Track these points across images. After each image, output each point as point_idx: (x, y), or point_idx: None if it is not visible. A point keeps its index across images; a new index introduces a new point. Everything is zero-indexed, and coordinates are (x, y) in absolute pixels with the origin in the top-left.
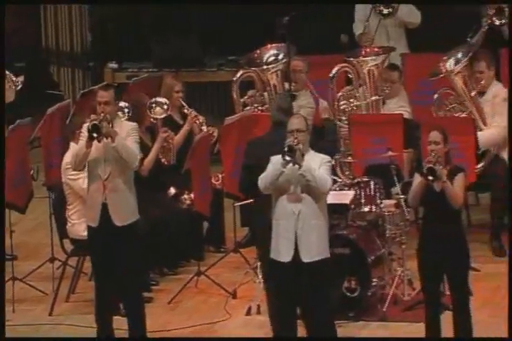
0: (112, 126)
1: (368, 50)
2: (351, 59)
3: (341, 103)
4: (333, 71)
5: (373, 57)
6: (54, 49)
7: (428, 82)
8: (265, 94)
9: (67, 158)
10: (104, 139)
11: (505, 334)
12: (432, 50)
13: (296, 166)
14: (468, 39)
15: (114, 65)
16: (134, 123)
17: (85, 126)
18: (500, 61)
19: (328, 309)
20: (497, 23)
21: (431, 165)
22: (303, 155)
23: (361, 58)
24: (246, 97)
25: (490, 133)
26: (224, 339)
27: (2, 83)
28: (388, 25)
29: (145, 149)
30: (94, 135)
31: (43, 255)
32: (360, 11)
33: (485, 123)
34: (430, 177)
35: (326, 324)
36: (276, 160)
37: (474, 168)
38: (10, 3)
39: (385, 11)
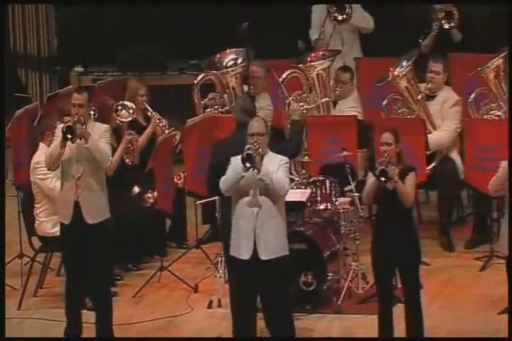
0: (86, 128)
1: (314, 55)
2: (300, 65)
3: (293, 107)
4: (283, 76)
5: (320, 62)
6: (22, 52)
7: (380, 85)
8: (225, 96)
9: (36, 158)
10: (78, 140)
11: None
12: (385, 54)
13: (256, 171)
14: (420, 40)
15: (79, 69)
16: (107, 126)
17: (59, 127)
18: (450, 65)
19: (286, 303)
20: (446, 26)
21: (383, 167)
22: (262, 157)
23: (309, 63)
24: (207, 99)
25: (439, 136)
26: (223, 340)
27: (2, 83)
28: (343, 31)
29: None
30: (69, 136)
31: (12, 252)
32: (316, 17)
33: (433, 126)
34: (383, 179)
35: (284, 317)
36: (236, 162)
37: (424, 168)
38: (10, 3)
39: (340, 18)
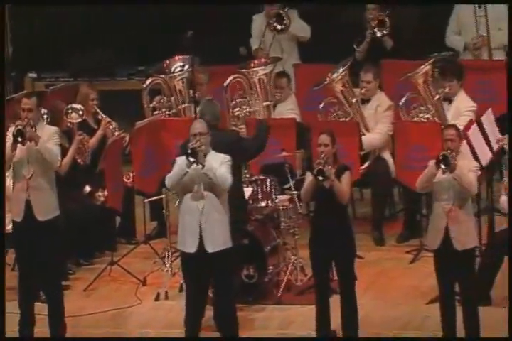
0: (35, 131)
1: (256, 61)
2: (243, 70)
3: (235, 110)
4: (227, 81)
5: (262, 67)
6: None
7: (317, 90)
8: (172, 99)
9: None
10: (28, 142)
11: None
12: (321, 60)
13: (199, 166)
14: (355, 46)
15: (33, 75)
16: (55, 128)
17: (10, 130)
18: (382, 71)
19: (230, 293)
20: (379, 34)
21: (321, 167)
22: (205, 155)
23: (251, 69)
24: (154, 102)
25: (372, 138)
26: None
27: (2, 83)
28: (282, 40)
29: (62, 150)
30: (19, 139)
31: None
32: (256, 27)
33: (367, 128)
34: (320, 177)
35: (228, 307)
36: (181, 161)
37: (358, 167)
38: (10, 3)
39: (279, 27)
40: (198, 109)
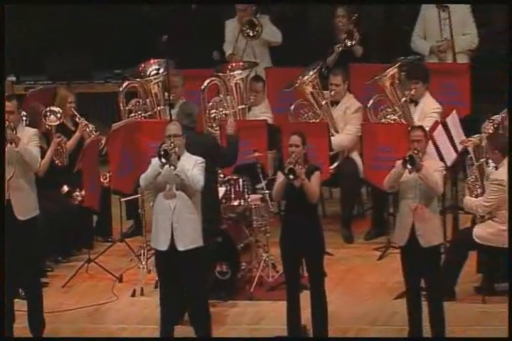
0: (16, 133)
1: (234, 64)
2: (220, 73)
3: (212, 112)
4: (204, 84)
5: (239, 72)
6: None
7: (288, 92)
8: (147, 101)
9: None
10: (8, 144)
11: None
12: (292, 64)
13: (172, 167)
14: (327, 55)
15: (12, 78)
16: (35, 130)
17: None
18: (350, 75)
19: (202, 290)
20: (349, 44)
21: (291, 166)
22: (178, 157)
23: (228, 73)
24: (130, 105)
25: (341, 138)
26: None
27: (2, 84)
28: (254, 45)
29: (41, 152)
30: None
31: None
32: (229, 33)
33: (336, 130)
34: (291, 177)
35: (201, 303)
36: (154, 162)
37: (328, 167)
38: (10, 3)
39: (251, 34)
40: (175, 111)
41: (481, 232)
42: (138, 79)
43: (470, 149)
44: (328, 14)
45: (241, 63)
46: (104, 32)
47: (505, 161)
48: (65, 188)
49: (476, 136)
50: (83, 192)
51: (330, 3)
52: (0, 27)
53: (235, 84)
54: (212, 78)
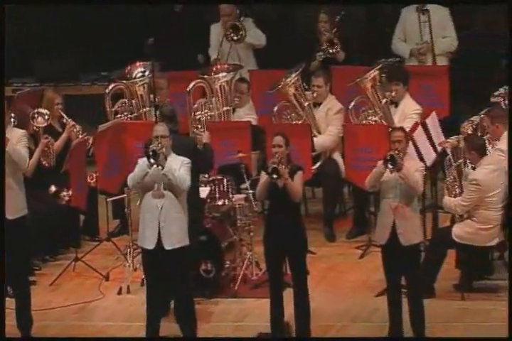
0: (5, 134)
1: (218, 67)
2: (205, 76)
3: (197, 113)
4: (190, 86)
5: (224, 74)
6: None
7: (271, 94)
8: (133, 103)
9: None
10: None
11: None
12: (276, 66)
13: (160, 167)
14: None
15: None
16: (23, 131)
17: None
18: (332, 77)
19: (187, 288)
20: (331, 51)
21: (275, 166)
22: (166, 157)
23: (213, 75)
24: (117, 106)
25: (324, 139)
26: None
27: (2, 84)
28: (238, 48)
29: (29, 153)
30: None
31: None
32: (214, 37)
33: (318, 131)
34: (274, 176)
35: (186, 301)
36: (142, 162)
37: (310, 167)
38: (10, 3)
39: (235, 38)
40: (157, 113)
41: (459, 231)
42: (124, 81)
43: (448, 150)
44: (312, 17)
45: (226, 66)
46: (90, 35)
47: (483, 161)
48: (53, 188)
49: (454, 137)
50: (70, 192)
51: (315, 3)
52: (0, 27)
53: (220, 86)
54: (198, 80)
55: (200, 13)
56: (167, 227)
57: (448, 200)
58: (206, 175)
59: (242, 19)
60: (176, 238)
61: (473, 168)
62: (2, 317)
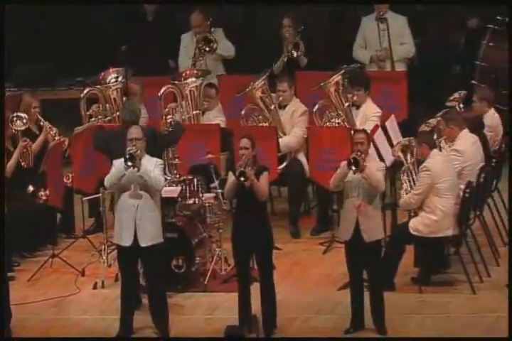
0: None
1: (188, 72)
2: (175, 81)
3: (168, 117)
4: (161, 91)
5: (193, 79)
6: None
7: (239, 98)
8: (107, 107)
9: None
10: None
11: None
12: (242, 72)
13: (136, 169)
14: (273, 64)
15: None
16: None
17: None
18: (297, 81)
19: (160, 282)
20: (294, 55)
21: (242, 169)
22: (140, 159)
23: (183, 81)
24: (91, 110)
25: (288, 140)
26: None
27: (2, 84)
28: (208, 59)
29: (8, 155)
30: None
31: None
32: (184, 46)
33: (284, 132)
34: (242, 179)
35: (159, 295)
36: (118, 163)
37: (276, 167)
38: (10, 3)
39: (207, 49)
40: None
41: (416, 225)
42: (98, 86)
43: (399, 153)
44: (276, 25)
45: (195, 71)
46: (67, 42)
47: (433, 153)
48: (31, 188)
49: (404, 139)
50: (47, 192)
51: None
52: (0, 27)
53: (190, 91)
54: (169, 86)
55: (170, 22)
56: (142, 225)
57: (403, 198)
58: (177, 175)
59: (212, 30)
60: (151, 235)
61: (423, 161)
62: (2, 317)
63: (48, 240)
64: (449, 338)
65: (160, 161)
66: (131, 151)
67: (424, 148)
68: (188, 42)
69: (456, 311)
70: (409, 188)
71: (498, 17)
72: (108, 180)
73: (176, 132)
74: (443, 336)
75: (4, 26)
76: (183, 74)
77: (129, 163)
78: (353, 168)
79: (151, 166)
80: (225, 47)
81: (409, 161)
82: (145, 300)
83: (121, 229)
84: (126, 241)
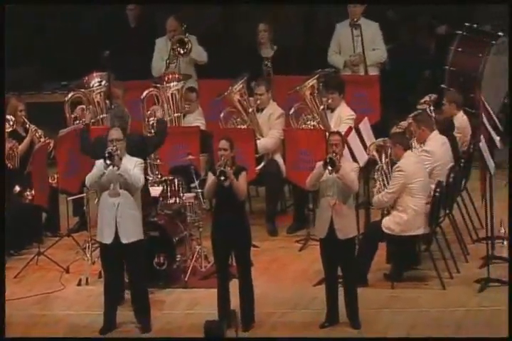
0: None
1: (170, 76)
2: (158, 85)
3: (150, 119)
4: (144, 94)
5: (175, 83)
6: None
7: (218, 101)
8: (90, 107)
9: None
10: None
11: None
12: (220, 76)
13: (116, 168)
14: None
15: None
16: None
17: None
18: (273, 85)
19: (142, 279)
20: (181, 52)
21: (222, 168)
22: (121, 159)
23: (165, 84)
24: (75, 113)
25: (266, 142)
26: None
27: (2, 84)
28: (181, 63)
29: None
30: None
31: None
32: (159, 49)
33: (261, 134)
34: (222, 178)
35: (141, 291)
36: (99, 163)
37: (254, 168)
38: (10, 3)
39: (182, 51)
40: (110, 114)
41: (388, 223)
42: (82, 90)
43: (374, 153)
44: (252, 30)
45: (176, 76)
46: (52, 47)
47: (406, 154)
48: (17, 188)
49: (379, 139)
50: (33, 192)
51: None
52: (0, 27)
53: (171, 94)
54: (151, 89)
55: (152, 28)
56: (123, 223)
57: (376, 197)
58: (159, 176)
59: (186, 35)
60: (132, 232)
61: (397, 161)
62: (2, 317)
63: (34, 238)
64: (446, 338)
65: (140, 161)
66: (109, 150)
67: (398, 149)
68: (162, 46)
69: (426, 306)
70: (382, 187)
71: (466, 24)
72: (89, 178)
73: (161, 131)
74: (439, 336)
75: (4, 26)
76: (166, 78)
77: (108, 162)
78: (329, 168)
79: (131, 165)
80: (198, 52)
81: (383, 161)
82: (128, 296)
83: (103, 227)
84: (108, 239)
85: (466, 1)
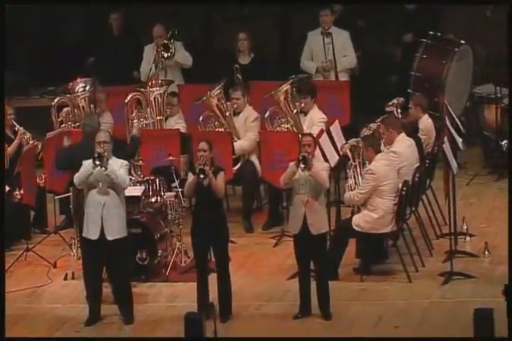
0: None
1: (153, 82)
2: (141, 89)
3: (134, 122)
4: (128, 98)
5: (158, 88)
6: None
7: (198, 105)
8: (76, 113)
9: None
10: None
11: None
12: (201, 81)
13: (103, 168)
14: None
15: None
16: None
17: None
18: (250, 90)
19: (125, 273)
20: (165, 56)
21: (201, 167)
22: (108, 160)
23: (149, 89)
24: (61, 117)
25: (242, 144)
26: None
27: (2, 84)
28: (167, 67)
29: None
30: None
31: None
32: (147, 56)
33: (238, 136)
34: (201, 176)
35: (124, 284)
36: (86, 163)
37: (231, 168)
38: (10, 3)
39: (166, 55)
40: (103, 121)
41: (358, 221)
42: (68, 95)
43: (347, 151)
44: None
45: (159, 81)
46: (39, 54)
47: (377, 157)
48: (6, 188)
49: (353, 139)
50: (22, 191)
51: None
52: (0, 27)
53: (154, 98)
54: (135, 93)
55: (134, 36)
56: (109, 221)
57: (347, 194)
58: (141, 176)
59: (172, 41)
60: (117, 230)
61: (369, 163)
62: (2, 317)
63: (23, 235)
64: (451, 338)
65: (125, 162)
66: (99, 151)
67: (370, 151)
68: (149, 51)
69: (393, 298)
70: (353, 184)
71: (431, 32)
72: (77, 178)
73: (133, 147)
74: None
75: (4, 26)
76: (149, 83)
77: (97, 162)
78: (302, 165)
79: (117, 166)
80: (184, 57)
81: (356, 160)
82: (106, 289)
83: (89, 224)
84: (94, 235)
85: (464, 2)
